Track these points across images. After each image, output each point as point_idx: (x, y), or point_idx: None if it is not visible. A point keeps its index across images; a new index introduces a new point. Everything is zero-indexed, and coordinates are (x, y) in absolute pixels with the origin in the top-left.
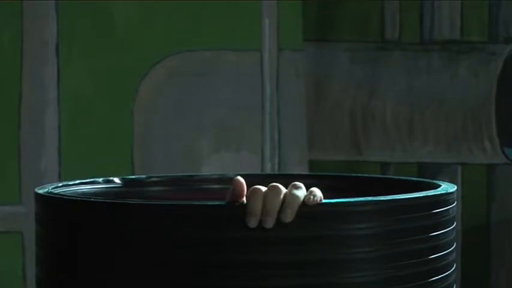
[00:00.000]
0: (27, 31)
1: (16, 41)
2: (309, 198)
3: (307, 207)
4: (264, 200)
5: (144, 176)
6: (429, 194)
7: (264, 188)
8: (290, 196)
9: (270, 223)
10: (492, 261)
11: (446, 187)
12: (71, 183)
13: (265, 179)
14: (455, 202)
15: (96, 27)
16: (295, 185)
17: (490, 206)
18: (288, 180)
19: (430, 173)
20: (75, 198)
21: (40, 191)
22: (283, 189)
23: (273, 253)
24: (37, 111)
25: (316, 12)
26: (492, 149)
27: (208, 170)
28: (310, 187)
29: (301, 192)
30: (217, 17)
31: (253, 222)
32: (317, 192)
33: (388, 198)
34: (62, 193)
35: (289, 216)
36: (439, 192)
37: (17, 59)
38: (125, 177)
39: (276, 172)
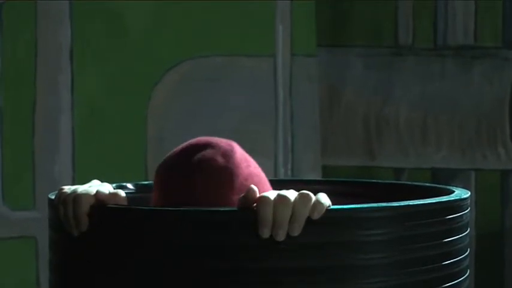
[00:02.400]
0: (41, 37)
1: (30, 47)
2: (313, 215)
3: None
4: (274, 210)
5: None
6: (443, 200)
7: (272, 196)
8: (297, 209)
9: (281, 236)
10: (506, 266)
11: (460, 193)
12: None
13: (278, 184)
14: (469, 208)
15: (109, 33)
16: (303, 195)
17: (504, 212)
18: (301, 185)
19: (443, 179)
20: None
21: (54, 197)
22: (292, 199)
23: (285, 259)
24: (51, 117)
25: (329, 17)
26: (506, 154)
27: None
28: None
29: (308, 204)
30: (230, 22)
31: (266, 234)
32: (322, 199)
33: (401, 204)
34: None
35: (296, 230)
36: (452, 198)
37: (31, 65)
38: (138, 182)
39: (290, 177)
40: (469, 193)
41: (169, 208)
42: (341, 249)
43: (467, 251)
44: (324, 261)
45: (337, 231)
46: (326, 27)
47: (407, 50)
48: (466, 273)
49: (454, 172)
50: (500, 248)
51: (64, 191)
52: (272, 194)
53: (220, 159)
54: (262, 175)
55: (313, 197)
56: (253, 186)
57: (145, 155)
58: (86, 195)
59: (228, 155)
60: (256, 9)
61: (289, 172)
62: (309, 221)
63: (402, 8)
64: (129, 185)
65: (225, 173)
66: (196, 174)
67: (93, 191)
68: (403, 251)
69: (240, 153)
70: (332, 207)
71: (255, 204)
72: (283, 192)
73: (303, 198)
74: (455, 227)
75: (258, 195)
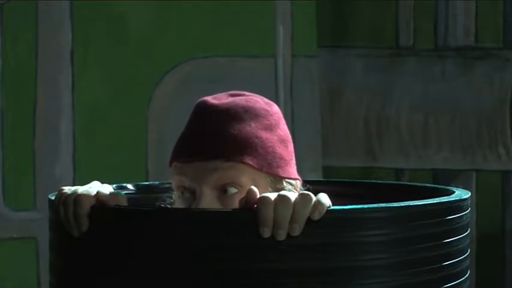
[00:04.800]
0: (42, 38)
1: (31, 48)
2: (314, 215)
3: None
4: (275, 210)
5: (157, 183)
6: (442, 200)
7: (273, 196)
8: (297, 209)
9: (282, 236)
10: (506, 267)
11: (460, 193)
12: None
13: None
14: (469, 208)
15: (110, 33)
16: (303, 195)
17: (505, 213)
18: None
19: (444, 180)
20: None
21: (54, 197)
22: (293, 199)
23: (285, 260)
24: (52, 119)
25: (330, 18)
26: (507, 155)
27: None
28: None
29: (309, 204)
30: (231, 23)
31: (267, 233)
32: (323, 200)
33: (401, 205)
34: None
35: (296, 231)
36: (452, 199)
37: (32, 66)
38: (138, 183)
39: None
40: (469, 193)
41: (168, 208)
42: (341, 249)
43: (467, 251)
44: (324, 261)
45: (337, 232)
46: (327, 28)
47: (408, 51)
48: (466, 273)
49: (454, 173)
50: (501, 248)
51: (64, 191)
52: (273, 194)
53: (262, 102)
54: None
55: (314, 198)
56: (253, 187)
57: (145, 156)
58: (86, 195)
59: (270, 103)
60: (256, 10)
61: None
62: (310, 221)
63: (403, 9)
64: (130, 186)
65: (264, 110)
66: (238, 102)
67: (93, 191)
68: (404, 252)
69: (278, 110)
70: (332, 207)
71: (255, 206)
72: (284, 192)
73: (303, 199)
74: (456, 228)
75: (258, 195)
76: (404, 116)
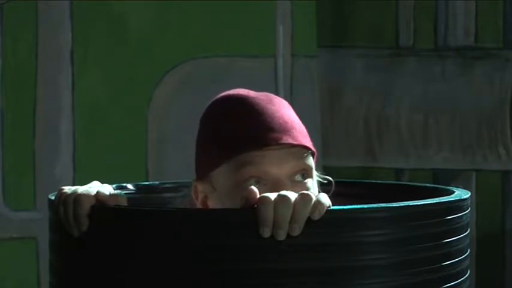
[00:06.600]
0: (42, 38)
1: (31, 48)
2: (314, 215)
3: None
4: (275, 210)
5: (157, 182)
6: (442, 200)
7: (273, 196)
8: (297, 209)
9: (282, 236)
10: (506, 267)
11: (460, 193)
12: None
13: None
14: (469, 208)
15: (110, 33)
16: (303, 195)
17: (505, 213)
18: None
19: (444, 180)
20: None
21: (54, 197)
22: (293, 199)
23: (285, 260)
24: (52, 119)
25: (330, 18)
26: (507, 155)
27: None
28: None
29: (309, 204)
30: (231, 23)
31: (266, 233)
32: (323, 200)
33: (400, 205)
34: None
35: (296, 230)
36: (452, 199)
37: (32, 66)
38: (138, 183)
39: None
40: (469, 193)
41: (168, 208)
42: (341, 249)
43: (467, 251)
44: (324, 261)
45: (337, 232)
46: (327, 27)
47: (408, 51)
48: (466, 273)
49: (454, 173)
50: (501, 248)
51: (64, 191)
52: (273, 194)
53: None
54: None
55: (314, 198)
56: (253, 187)
57: (145, 156)
58: (86, 195)
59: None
60: (256, 10)
61: None
62: (310, 221)
63: (403, 9)
64: (130, 186)
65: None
66: (268, 94)
67: (93, 191)
68: (404, 252)
69: None
70: (332, 207)
71: (255, 205)
72: (284, 192)
73: (303, 199)
74: (456, 228)
75: (258, 195)
76: (404, 116)
